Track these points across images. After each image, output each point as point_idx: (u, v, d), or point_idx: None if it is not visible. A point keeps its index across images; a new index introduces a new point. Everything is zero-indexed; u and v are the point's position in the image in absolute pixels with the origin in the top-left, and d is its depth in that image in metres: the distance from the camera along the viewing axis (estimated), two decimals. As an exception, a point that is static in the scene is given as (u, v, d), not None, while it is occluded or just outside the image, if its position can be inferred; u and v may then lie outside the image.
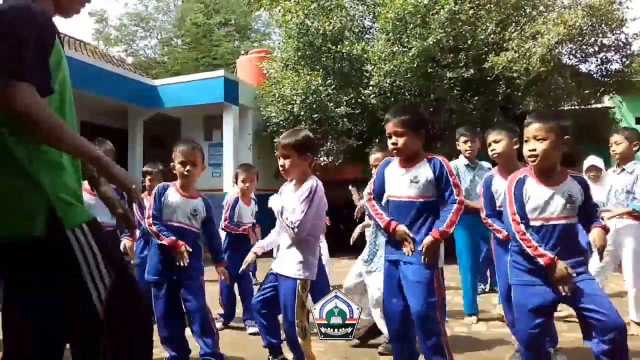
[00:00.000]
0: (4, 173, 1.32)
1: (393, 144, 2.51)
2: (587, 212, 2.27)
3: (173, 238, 2.89)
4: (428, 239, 2.39)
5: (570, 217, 2.23)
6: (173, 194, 3.01)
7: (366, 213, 3.32)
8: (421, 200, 2.47)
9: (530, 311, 2.20)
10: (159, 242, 2.91)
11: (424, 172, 2.48)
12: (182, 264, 2.85)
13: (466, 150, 4.09)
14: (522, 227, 2.22)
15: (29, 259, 1.34)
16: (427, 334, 2.37)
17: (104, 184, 1.85)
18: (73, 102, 1.55)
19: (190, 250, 2.90)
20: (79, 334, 1.40)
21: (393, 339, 2.64)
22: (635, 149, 3.68)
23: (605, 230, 2.27)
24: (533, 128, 2.24)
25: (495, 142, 3.19)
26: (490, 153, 3.26)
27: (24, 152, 1.33)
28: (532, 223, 2.24)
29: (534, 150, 2.23)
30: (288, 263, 2.57)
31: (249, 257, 2.89)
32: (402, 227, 2.45)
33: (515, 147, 3.14)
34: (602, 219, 2.35)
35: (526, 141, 2.28)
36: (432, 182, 2.46)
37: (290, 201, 2.59)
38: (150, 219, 2.96)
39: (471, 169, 4.08)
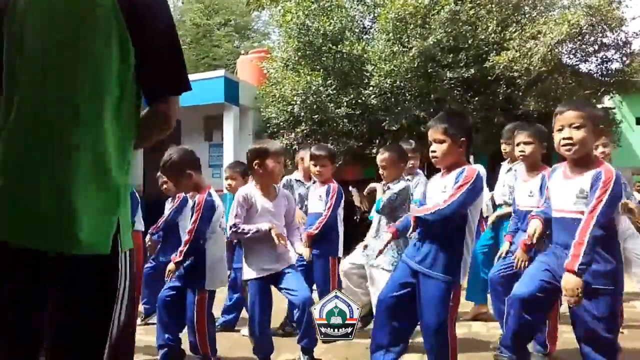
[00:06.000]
0: (103, 189, 1.22)
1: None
2: None
3: None
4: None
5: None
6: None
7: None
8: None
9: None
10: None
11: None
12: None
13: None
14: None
15: (83, 273, 1.22)
16: (435, 351, 2.35)
17: None
18: None
19: None
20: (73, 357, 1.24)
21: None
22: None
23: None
24: (570, 115, 2.14)
25: (526, 143, 3.12)
26: (517, 153, 3.21)
27: (118, 169, 1.25)
28: (553, 215, 2.23)
29: (570, 138, 2.12)
30: None
31: None
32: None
33: (543, 152, 3.11)
34: None
35: (559, 130, 2.19)
36: None
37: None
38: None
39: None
